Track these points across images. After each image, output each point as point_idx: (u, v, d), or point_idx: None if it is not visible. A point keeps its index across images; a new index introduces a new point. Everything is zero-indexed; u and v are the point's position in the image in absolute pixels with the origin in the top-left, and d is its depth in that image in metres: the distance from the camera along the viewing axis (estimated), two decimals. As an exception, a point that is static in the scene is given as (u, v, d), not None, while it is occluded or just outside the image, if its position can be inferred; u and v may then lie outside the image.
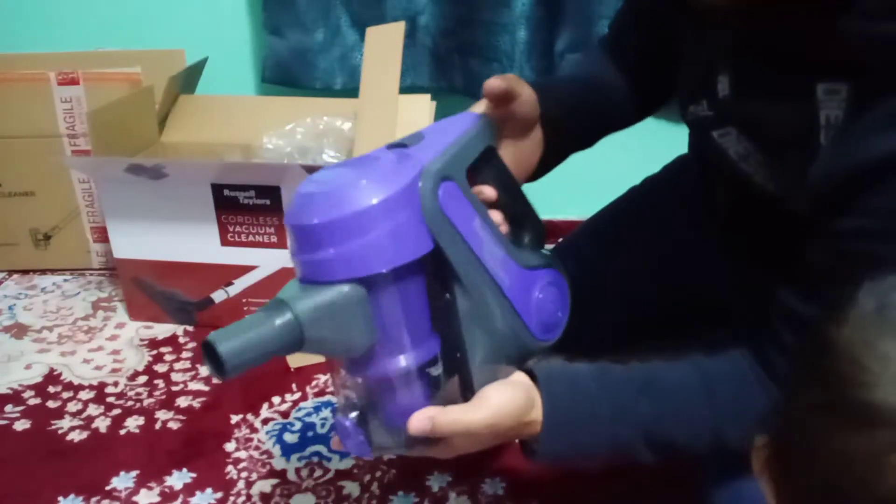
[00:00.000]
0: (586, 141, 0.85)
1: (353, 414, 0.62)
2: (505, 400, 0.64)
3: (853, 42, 0.58)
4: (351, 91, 1.42)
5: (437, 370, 0.62)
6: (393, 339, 0.59)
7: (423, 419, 0.60)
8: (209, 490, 0.95)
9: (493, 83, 0.67)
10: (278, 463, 0.99)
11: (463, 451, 0.65)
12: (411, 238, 0.58)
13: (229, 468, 0.99)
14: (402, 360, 0.60)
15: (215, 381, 0.55)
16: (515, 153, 0.73)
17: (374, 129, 1.18)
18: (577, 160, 1.66)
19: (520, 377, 0.67)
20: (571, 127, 0.79)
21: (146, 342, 1.26)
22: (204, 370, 1.18)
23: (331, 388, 1.13)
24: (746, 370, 0.68)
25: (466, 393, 0.64)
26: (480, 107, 0.70)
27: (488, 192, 0.70)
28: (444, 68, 1.45)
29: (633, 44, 0.87)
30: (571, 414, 0.67)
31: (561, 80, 0.81)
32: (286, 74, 1.47)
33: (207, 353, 0.54)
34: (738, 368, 0.69)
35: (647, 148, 1.55)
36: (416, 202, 0.58)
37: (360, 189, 0.56)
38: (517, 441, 0.70)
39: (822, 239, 0.62)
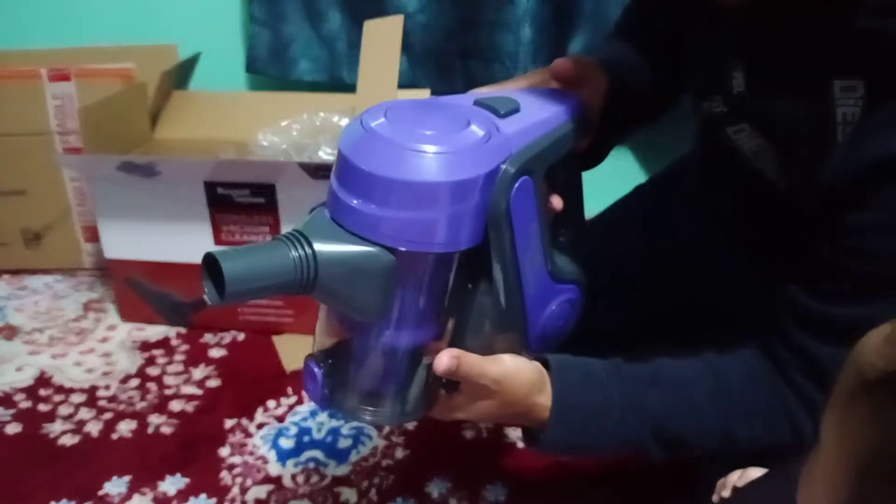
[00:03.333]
0: (637, 129, 0.84)
1: (326, 363, 0.58)
2: (519, 365, 0.63)
3: (867, 39, 0.58)
4: (347, 86, 1.41)
5: (428, 359, 0.59)
6: (400, 317, 0.56)
7: (450, 358, 0.57)
8: (203, 496, 0.94)
9: (562, 65, 0.67)
10: (274, 468, 0.98)
11: (461, 417, 0.64)
12: (466, 229, 0.53)
13: (223, 473, 0.97)
14: (400, 338, 0.57)
15: (213, 303, 0.48)
16: None
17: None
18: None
19: (533, 362, 0.66)
20: (635, 117, 0.79)
21: (138, 344, 1.24)
22: (197, 373, 1.16)
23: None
24: (757, 369, 0.68)
25: (448, 382, 0.61)
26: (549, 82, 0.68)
27: (556, 202, 0.67)
28: (445, 69, 1.43)
29: (644, 35, 0.85)
30: (581, 401, 0.66)
31: (623, 58, 0.79)
32: (271, 65, 1.45)
33: (208, 271, 0.48)
34: (749, 367, 0.69)
35: (652, 146, 1.55)
36: (486, 193, 0.53)
37: (440, 159, 0.50)
38: (521, 433, 0.70)
39: (833, 235, 0.61)
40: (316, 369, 0.57)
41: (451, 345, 0.61)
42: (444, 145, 0.51)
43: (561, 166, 0.63)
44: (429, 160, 0.50)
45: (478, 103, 0.59)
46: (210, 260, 0.48)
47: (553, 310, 0.65)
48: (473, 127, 0.54)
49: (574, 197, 0.68)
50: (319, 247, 0.49)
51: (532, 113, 0.60)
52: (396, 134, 0.51)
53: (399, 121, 0.53)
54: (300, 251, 0.49)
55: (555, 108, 0.63)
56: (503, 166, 0.54)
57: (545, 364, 0.66)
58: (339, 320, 0.59)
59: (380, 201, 0.50)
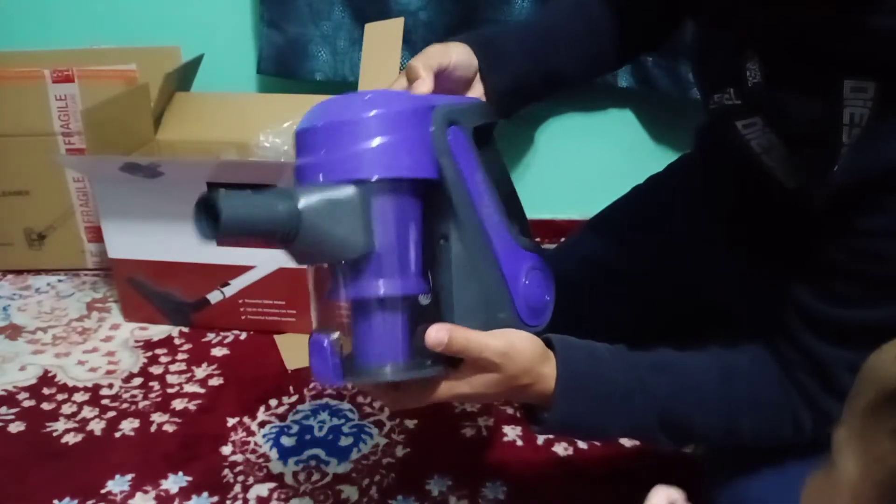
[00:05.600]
0: (539, 95, 0.82)
1: (334, 335, 0.60)
2: (523, 338, 0.63)
3: (881, 40, 0.57)
4: (351, 86, 1.41)
5: (425, 300, 0.62)
6: (385, 259, 0.58)
7: (440, 329, 0.58)
8: (205, 494, 0.94)
9: (420, 86, 0.66)
10: (275, 466, 0.98)
11: (467, 392, 0.62)
12: (412, 156, 0.59)
13: (226, 472, 0.98)
14: (390, 285, 0.59)
15: (204, 240, 0.53)
16: None
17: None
18: (578, 160, 1.67)
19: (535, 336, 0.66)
20: (524, 90, 0.77)
21: (141, 343, 1.25)
22: (200, 372, 1.17)
23: (328, 391, 1.12)
24: (763, 365, 0.68)
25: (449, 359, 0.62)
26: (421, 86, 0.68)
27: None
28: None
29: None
30: (587, 375, 0.66)
31: (501, 34, 0.78)
32: (282, 66, 1.46)
33: (203, 210, 0.53)
34: (755, 362, 0.69)
35: (650, 147, 1.55)
36: (423, 128, 0.59)
37: (368, 101, 0.57)
38: (523, 416, 0.70)
39: (840, 237, 0.61)
40: (325, 340, 0.59)
41: (452, 313, 0.62)
42: (370, 94, 0.59)
43: (484, 143, 0.67)
44: (367, 101, 0.58)
45: None
46: (206, 200, 0.52)
47: (525, 283, 0.67)
48: (396, 90, 0.63)
49: (501, 177, 0.70)
50: (299, 194, 0.55)
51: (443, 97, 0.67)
52: (329, 101, 0.60)
53: (331, 99, 0.60)
54: (285, 201, 0.55)
55: (460, 99, 0.70)
56: (431, 112, 0.61)
57: (548, 344, 0.66)
58: (336, 290, 0.60)
59: (331, 146, 0.57)
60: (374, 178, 0.57)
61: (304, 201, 0.55)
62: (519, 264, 0.67)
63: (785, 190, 0.69)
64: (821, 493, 0.43)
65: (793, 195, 0.68)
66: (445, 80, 0.70)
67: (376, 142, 0.57)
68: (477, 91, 0.73)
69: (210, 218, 0.52)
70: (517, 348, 0.62)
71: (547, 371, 0.64)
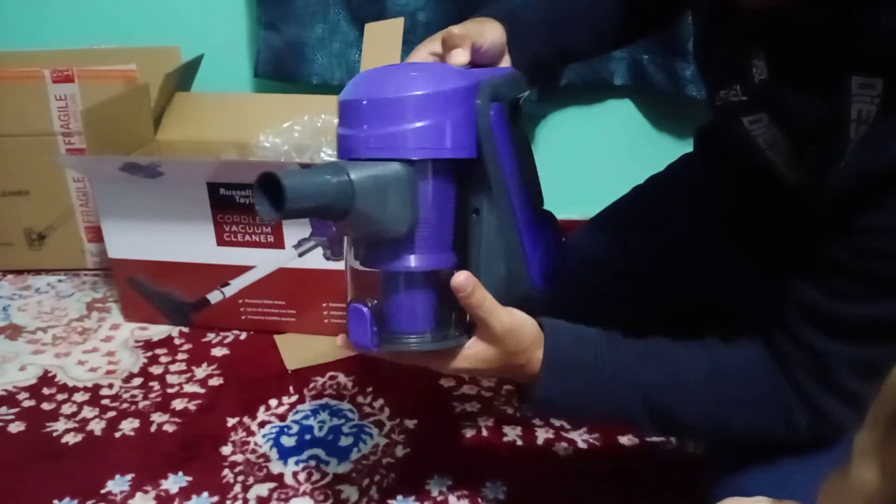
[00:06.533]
0: (551, 69, 0.87)
1: (373, 302, 0.63)
2: (525, 319, 0.66)
3: (888, 37, 0.57)
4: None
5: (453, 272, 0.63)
6: (423, 235, 0.61)
7: (469, 278, 0.61)
8: (205, 494, 0.94)
9: (458, 56, 0.68)
10: (275, 466, 0.98)
11: (466, 366, 0.65)
12: (456, 137, 0.60)
13: (226, 472, 0.98)
14: (425, 260, 0.62)
15: (268, 219, 0.54)
16: None
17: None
18: (579, 159, 1.67)
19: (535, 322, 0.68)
20: (541, 65, 0.80)
21: (141, 344, 1.25)
22: (200, 372, 1.17)
23: (328, 391, 1.12)
24: (757, 360, 0.68)
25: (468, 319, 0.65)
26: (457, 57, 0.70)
27: None
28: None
29: None
30: (572, 357, 0.68)
31: (532, 31, 0.80)
32: (280, 69, 1.46)
33: (265, 189, 0.53)
34: (749, 357, 0.69)
35: (651, 147, 1.56)
36: (469, 107, 0.60)
37: (415, 77, 0.58)
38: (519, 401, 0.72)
39: (843, 234, 0.61)
40: (364, 308, 0.62)
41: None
42: (419, 70, 0.60)
43: (513, 115, 0.69)
44: (415, 78, 0.58)
45: None
46: (269, 179, 0.53)
47: (543, 249, 0.72)
48: (443, 65, 0.63)
49: (524, 148, 0.72)
50: (352, 170, 0.56)
51: (485, 69, 0.69)
52: (379, 72, 0.60)
53: (380, 69, 0.61)
54: (339, 176, 0.55)
55: (497, 70, 0.72)
56: (477, 90, 0.62)
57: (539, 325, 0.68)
58: (372, 258, 0.63)
59: (385, 121, 0.57)
60: (419, 158, 0.59)
61: (357, 178, 0.56)
62: (537, 235, 0.71)
63: (787, 186, 0.69)
64: (836, 496, 0.43)
65: (794, 191, 0.68)
66: (477, 56, 0.72)
67: (422, 122, 0.58)
68: (505, 64, 0.76)
69: (272, 198, 0.53)
70: (521, 328, 0.65)
71: (539, 354, 0.67)
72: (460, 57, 0.68)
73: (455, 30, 0.69)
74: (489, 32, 0.73)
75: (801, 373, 0.66)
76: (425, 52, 0.72)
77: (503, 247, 0.67)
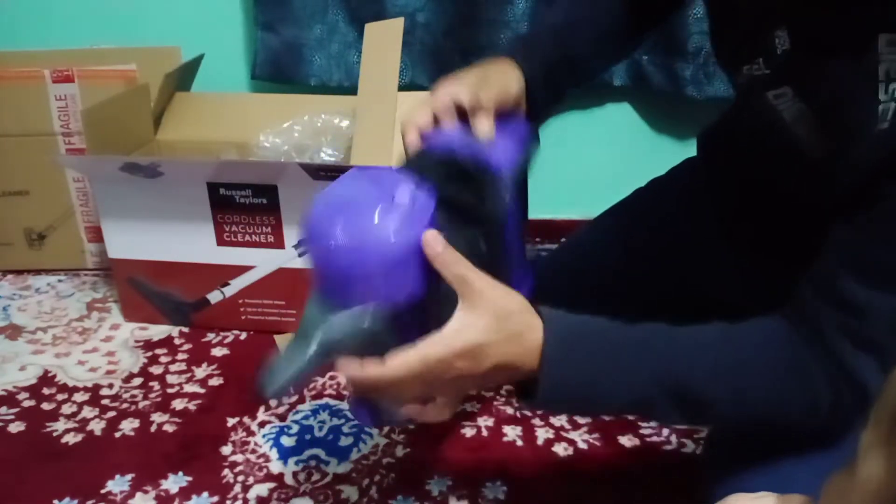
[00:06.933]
0: (565, 92, 0.86)
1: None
2: (508, 289, 0.63)
3: None
4: (349, 88, 1.41)
5: None
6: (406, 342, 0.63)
7: (435, 235, 0.60)
8: (205, 494, 0.94)
9: (484, 129, 0.70)
10: (275, 467, 0.98)
11: (461, 345, 0.60)
12: (423, 276, 0.61)
13: (226, 472, 0.98)
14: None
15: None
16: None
17: (373, 127, 1.16)
18: (579, 160, 1.67)
19: None
20: (556, 95, 0.82)
21: (141, 344, 1.25)
22: (200, 372, 1.17)
23: (328, 391, 1.12)
24: (772, 330, 0.66)
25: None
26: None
27: None
28: (445, 68, 1.43)
29: None
30: (576, 330, 0.64)
31: (541, 42, 0.82)
32: (277, 70, 1.46)
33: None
34: (762, 328, 0.67)
35: (651, 148, 1.56)
36: (418, 254, 0.61)
37: (385, 227, 0.59)
38: (514, 391, 0.68)
39: (877, 203, 0.60)
40: (363, 409, 0.68)
41: None
42: (397, 214, 0.60)
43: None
44: (385, 228, 0.59)
45: (462, 135, 0.70)
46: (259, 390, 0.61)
47: (523, 291, 0.72)
48: (397, 196, 0.62)
49: (521, 194, 0.78)
50: (323, 333, 0.60)
51: (506, 140, 0.72)
52: (343, 213, 0.61)
53: (340, 201, 0.63)
54: (313, 346, 0.60)
55: (514, 132, 0.75)
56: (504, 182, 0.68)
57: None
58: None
59: (354, 283, 0.60)
60: (389, 304, 0.61)
61: (325, 339, 0.61)
62: (522, 280, 0.74)
63: (811, 163, 0.67)
64: (842, 495, 0.43)
65: (821, 166, 0.66)
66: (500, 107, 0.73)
67: (391, 276, 0.60)
68: (521, 107, 0.77)
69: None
70: (503, 288, 0.62)
71: (537, 322, 0.62)
72: (485, 128, 0.70)
73: (485, 96, 0.70)
74: (513, 86, 0.74)
75: (832, 330, 0.63)
76: (448, 98, 0.71)
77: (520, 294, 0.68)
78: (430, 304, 0.62)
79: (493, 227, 0.67)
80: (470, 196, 0.66)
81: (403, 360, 0.59)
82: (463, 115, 0.71)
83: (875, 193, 0.60)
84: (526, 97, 0.77)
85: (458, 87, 0.71)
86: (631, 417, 0.99)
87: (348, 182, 0.65)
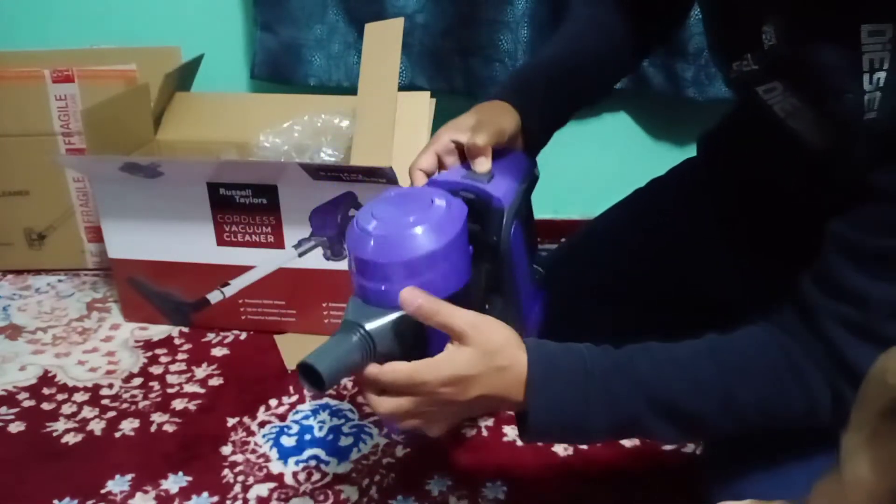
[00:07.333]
0: (565, 121, 0.89)
1: None
2: (493, 320, 0.65)
3: None
4: (349, 88, 1.41)
5: None
6: (437, 347, 0.66)
7: (411, 290, 0.62)
8: (205, 494, 0.94)
9: (483, 166, 0.74)
10: (275, 467, 0.98)
11: (447, 375, 0.62)
12: (456, 274, 0.67)
13: (226, 472, 0.98)
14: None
15: (314, 394, 0.64)
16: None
17: (373, 127, 1.17)
18: (579, 161, 1.67)
19: None
20: (553, 125, 0.85)
21: (141, 344, 1.25)
22: (200, 372, 1.17)
23: (328, 391, 1.12)
24: (760, 336, 0.66)
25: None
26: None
27: None
28: (444, 68, 1.43)
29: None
30: (561, 359, 0.66)
31: (536, 78, 0.85)
32: (276, 71, 1.46)
33: (304, 373, 0.61)
34: (750, 335, 0.67)
35: (651, 149, 1.55)
36: (461, 245, 0.67)
37: (417, 238, 0.64)
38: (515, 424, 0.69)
39: (874, 192, 0.60)
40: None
41: None
42: (423, 223, 0.65)
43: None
44: (418, 240, 0.64)
45: (465, 175, 0.75)
46: (306, 367, 0.61)
47: (535, 312, 0.81)
48: (437, 201, 0.68)
49: (528, 219, 0.81)
50: (368, 325, 0.63)
51: (504, 175, 0.75)
52: (386, 227, 0.65)
53: (383, 216, 0.67)
54: (357, 335, 0.63)
55: (516, 161, 0.79)
56: (506, 211, 0.72)
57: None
58: None
59: (398, 280, 0.64)
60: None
61: (372, 329, 0.63)
62: (533, 302, 0.81)
63: (814, 155, 0.68)
64: (832, 501, 0.43)
65: (823, 157, 0.66)
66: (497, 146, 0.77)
67: (429, 275, 0.64)
68: (517, 142, 0.81)
69: (312, 377, 0.61)
70: (489, 323, 0.64)
71: (522, 357, 0.64)
72: (485, 167, 0.74)
73: (479, 140, 0.73)
74: (507, 124, 0.77)
75: (833, 323, 0.63)
76: (448, 139, 0.76)
77: (508, 323, 0.69)
78: (469, 303, 0.67)
79: (499, 256, 0.72)
80: (477, 228, 0.72)
81: (393, 370, 0.63)
82: (464, 156, 0.76)
83: (869, 182, 0.60)
84: (523, 133, 0.80)
85: (456, 131, 0.76)
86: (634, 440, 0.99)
87: (387, 195, 0.71)
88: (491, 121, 0.76)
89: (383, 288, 0.64)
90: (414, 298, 0.62)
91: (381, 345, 0.63)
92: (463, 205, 0.69)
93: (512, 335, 0.65)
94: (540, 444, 1.00)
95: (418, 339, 0.65)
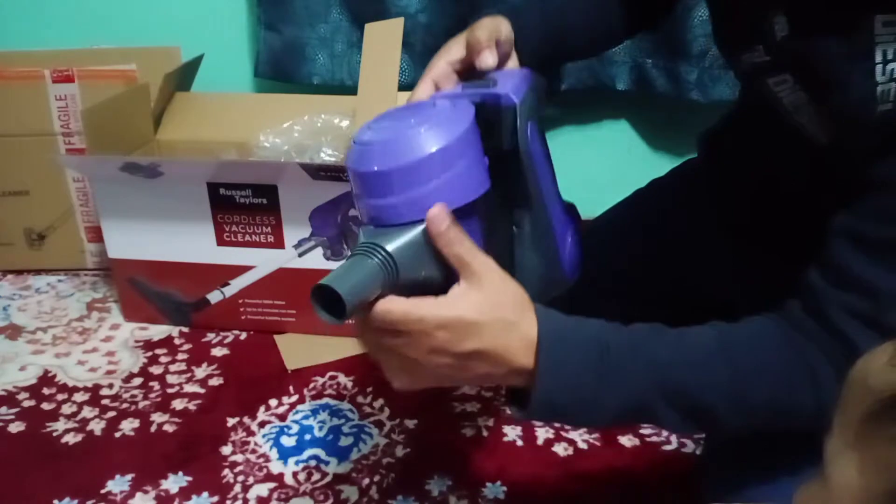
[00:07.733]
0: (551, 69, 0.87)
1: None
2: (507, 276, 0.61)
3: None
4: (349, 88, 1.41)
5: None
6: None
7: (442, 208, 0.58)
8: (205, 494, 0.94)
9: (488, 59, 0.70)
10: (275, 467, 0.98)
11: (453, 314, 0.57)
12: (472, 179, 0.61)
13: (226, 472, 0.98)
14: None
15: (330, 323, 0.54)
16: None
17: (373, 128, 1.16)
18: (580, 162, 1.67)
19: None
20: (544, 58, 0.81)
21: (141, 343, 1.25)
22: (200, 372, 1.17)
23: (328, 391, 1.12)
24: (767, 326, 0.65)
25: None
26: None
27: None
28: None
29: None
30: (574, 337, 0.61)
31: (529, 9, 0.81)
32: (280, 69, 1.46)
33: (320, 299, 0.54)
34: (757, 324, 0.66)
35: (652, 150, 1.56)
36: (474, 146, 0.61)
37: (421, 136, 0.58)
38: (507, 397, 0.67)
39: (885, 182, 0.59)
40: None
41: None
42: (423, 125, 0.59)
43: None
44: (424, 138, 0.58)
45: (466, 85, 0.68)
46: (323, 289, 0.54)
47: (570, 239, 0.74)
48: (439, 103, 0.63)
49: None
50: (387, 245, 0.57)
51: (510, 78, 0.69)
52: (382, 133, 0.60)
53: (381, 126, 0.61)
54: (378, 257, 0.56)
55: (515, 73, 0.72)
56: (518, 109, 0.64)
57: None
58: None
59: (409, 187, 0.58)
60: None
61: (394, 249, 0.57)
62: (566, 228, 0.73)
63: (818, 150, 0.67)
64: (816, 502, 0.43)
65: (829, 151, 0.66)
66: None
67: (444, 175, 0.58)
68: (512, 62, 0.76)
69: (329, 305, 0.54)
70: (507, 278, 0.60)
71: (533, 318, 0.60)
72: (490, 60, 0.70)
73: (479, 33, 0.70)
74: (503, 26, 0.73)
75: (843, 315, 0.61)
76: (444, 63, 0.72)
77: (542, 251, 0.68)
78: (491, 215, 0.62)
79: (519, 161, 0.65)
80: (491, 142, 0.65)
81: (387, 304, 0.57)
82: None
83: (880, 173, 0.60)
84: (516, 49, 0.76)
85: (449, 52, 0.73)
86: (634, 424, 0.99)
87: (383, 113, 0.65)
88: (486, 23, 0.72)
89: (394, 201, 0.58)
90: (443, 218, 0.57)
91: (403, 267, 0.57)
92: (469, 104, 0.63)
93: (526, 297, 0.61)
94: (535, 421, 0.98)
95: (441, 268, 0.58)
